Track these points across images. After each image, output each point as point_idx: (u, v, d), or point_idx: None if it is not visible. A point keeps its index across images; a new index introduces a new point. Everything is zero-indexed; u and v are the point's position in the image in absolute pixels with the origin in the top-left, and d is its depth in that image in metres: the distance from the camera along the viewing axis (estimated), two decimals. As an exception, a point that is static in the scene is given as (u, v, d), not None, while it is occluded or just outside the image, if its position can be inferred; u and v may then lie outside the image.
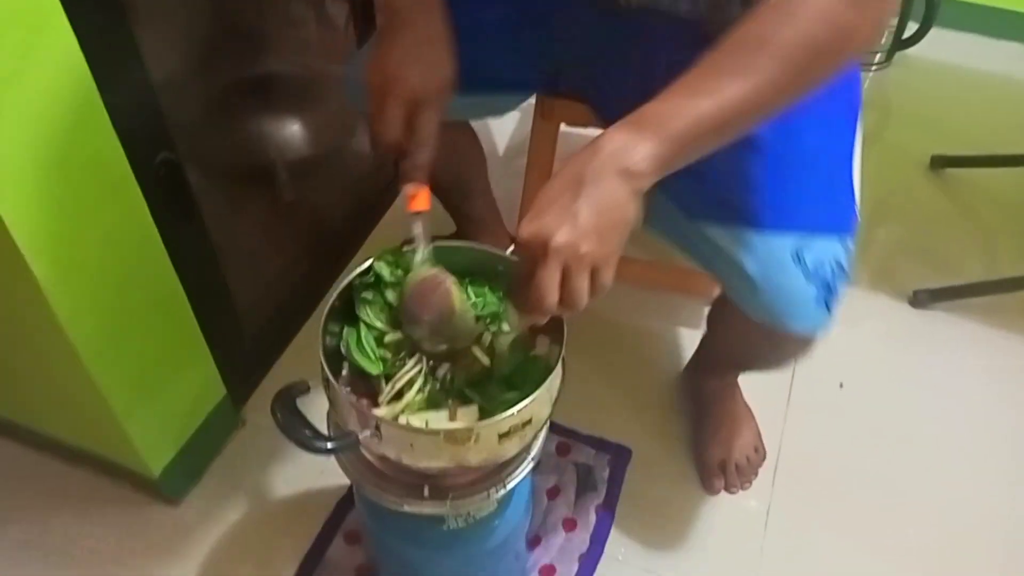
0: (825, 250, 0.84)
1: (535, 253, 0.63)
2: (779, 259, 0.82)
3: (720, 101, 0.64)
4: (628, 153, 0.63)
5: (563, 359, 0.79)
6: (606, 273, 0.65)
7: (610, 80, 0.97)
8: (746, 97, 0.64)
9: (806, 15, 0.64)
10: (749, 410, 1.29)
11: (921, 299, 1.51)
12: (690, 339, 1.46)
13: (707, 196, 0.86)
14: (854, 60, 0.77)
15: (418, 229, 0.81)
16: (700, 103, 0.64)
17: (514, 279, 0.68)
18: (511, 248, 0.85)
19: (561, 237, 0.62)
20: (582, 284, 0.64)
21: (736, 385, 1.28)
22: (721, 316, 1.09)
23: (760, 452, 1.26)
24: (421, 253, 0.81)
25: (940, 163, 1.80)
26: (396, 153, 0.80)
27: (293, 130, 1.53)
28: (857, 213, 0.89)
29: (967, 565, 1.18)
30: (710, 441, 1.25)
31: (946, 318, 1.50)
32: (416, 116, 0.78)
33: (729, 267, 0.85)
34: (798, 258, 0.82)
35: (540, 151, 1.45)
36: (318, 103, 1.56)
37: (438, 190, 1.29)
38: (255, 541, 1.20)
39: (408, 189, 0.80)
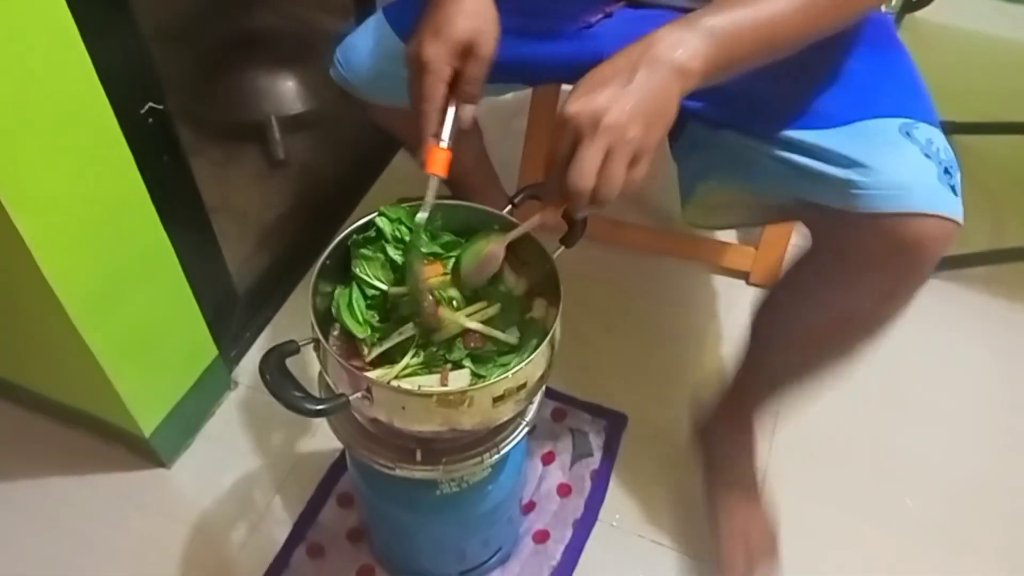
0: (931, 133, 0.77)
1: (581, 130, 0.62)
2: (889, 137, 0.75)
3: (772, 10, 0.66)
4: (683, 50, 0.64)
5: (559, 322, 0.77)
6: (643, 167, 0.63)
7: None
8: (797, 8, 0.66)
9: None
10: (770, 520, 1.10)
11: (925, 268, 1.49)
12: (690, 306, 1.45)
13: (784, 112, 0.81)
14: None
15: (431, 193, 0.79)
16: (758, 8, 0.66)
17: (547, 164, 0.66)
18: (507, 208, 0.84)
19: (612, 116, 0.61)
20: (620, 170, 0.62)
21: (758, 496, 1.12)
22: (799, 286, 0.92)
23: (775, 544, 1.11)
24: (423, 214, 0.79)
25: (948, 130, 1.74)
26: (438, 105, 0.77)
27: (288, 85, 1.49)
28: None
29: (964, 534, 1.18)
30: (729, 560, 1.08)
31: (948, 288, 1.48)
32: (463, 66, 0.76)
33: (830, 169, 0.76)
34: (908, 135, 0.75)
35: (541, 112, 1.42)
36: (314, 59, 1.52)
37: None
38: (248, 503, 1.19)
39: (430, 144, 0.78)
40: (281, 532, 1.15)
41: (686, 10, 0.69)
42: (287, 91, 1.49)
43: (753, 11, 0.66)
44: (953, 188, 0.74)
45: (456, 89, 0.77)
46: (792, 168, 0.80)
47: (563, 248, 0.82)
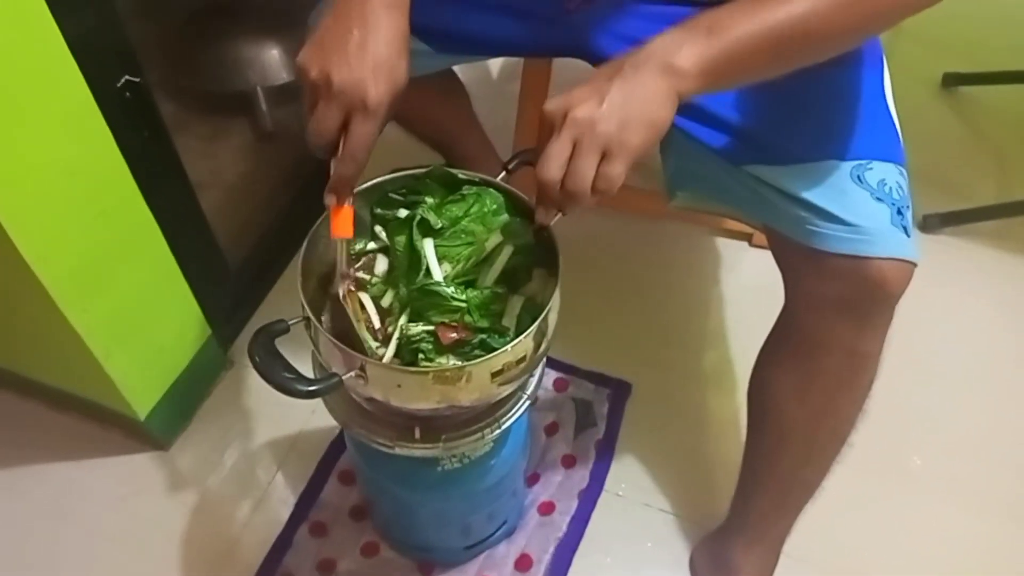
0: (884, 173, 0.77)
1: (552, 124, 0.61)
2: (839, 183, 0.76)
3: (782, 14, 0.62)
4: (675, 50, 0.61)
5: (559, 292, 0.74)
6: (616, 165, 0.61)
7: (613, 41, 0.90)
8: (810, 15, 0.62)
9: None
10: None
11: (931, 223, 1.46)
12: (692, 270, 1.42)
13: (748, 141, 0.81)
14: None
15: (340, 255, 0.74)
16: (761, 12, 0.62)
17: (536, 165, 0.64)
18: (502, 175, 0.81)
19: (580, 111, 0.60)
20: (586, 165, 0.60)
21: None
22: (773, 358, 0.91)
23: None
24: (341, 285, 0.75)
25: (952, 81, 1.72)
26: (330, 156, 0.69)
27: (272, 55, 1.45)
28: (902, 145, 0.82)
29: (974, 491, 1.17)
30: None
31: (956, 243, 1.46)
32: (353, 124, 0.65)
33: (789, 206, 0.78)
34: (859, 179, 0.76)
35: (534, 75, 1.38)
36: (299, 27, 1.48)
37: (423, 140, 1.23)
38: (249, 483, 1.18)
39: (329, 202, 0.70)
40: (284, 511, 1.14)
41: (670, 2, 0.65)
42: (272, 60, 1.44)
43: (766, 12, 0.62)
44: (906, 229, 0.76)
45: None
46: (758, 196, 0.81)
47: (560, 215, 0.79)
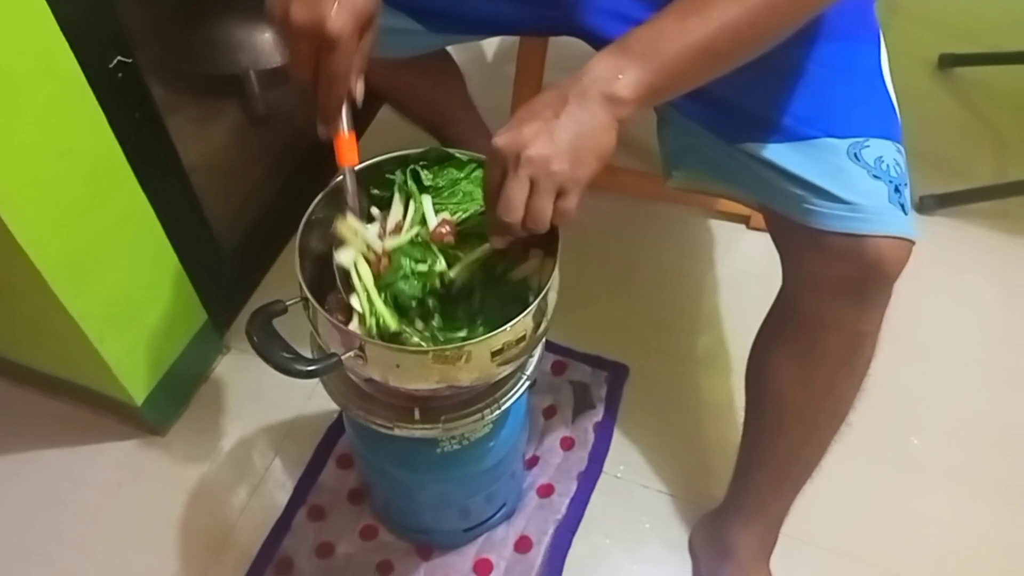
0: (881, 150, 0.77)
1: (506, 163, 0.62)
2: (835, 161, 0.76)
3: (711, 24, 0.62)
4: (613, 79, 0.62)
5: (557, 273, 0.74)
6: (570, 199, 0.63)
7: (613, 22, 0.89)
8: (739, 19, 0.63)
9: None
10: None
11: (927, 204, 1.46)
12: (688, 252, 1.41)
13: (742, 118, 0.80)
14: None
15: (347, 186, 0.75)
16: (689, 27, 0.63)
17: (485, 192, 0.66)
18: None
19: (534, 149, 0.61)
20: (546, 204, 0.62)
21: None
22: (772, 340, 0.91)
23: None
24: (350, 216, 0.75)
25: (949, 62, 1.71)
26: (347, 87, 0.70)
27: (265, 37, 1.43)
28: (900, 122, 0.82)
29: (972, 472, 1.17)
30: None
31: (953, 224, 1.45)
32: (321, 56, 0.67)
33: (785, 185, 0.77)
34: (856, 157, 0.76)
35: (529, 56, 1.37)
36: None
37: (417, 123, 1.22)
38: (246, 467, 1.17)
39: (321, 133, 0.73)
40: (281, 495, 1.14)
41: None
42: (264, 43, 1.42)
43: (696, 23, 0.63)
44: (903, 206, 0.76)
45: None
46: (754, 175, 0.80)
47: None
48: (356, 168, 0.75)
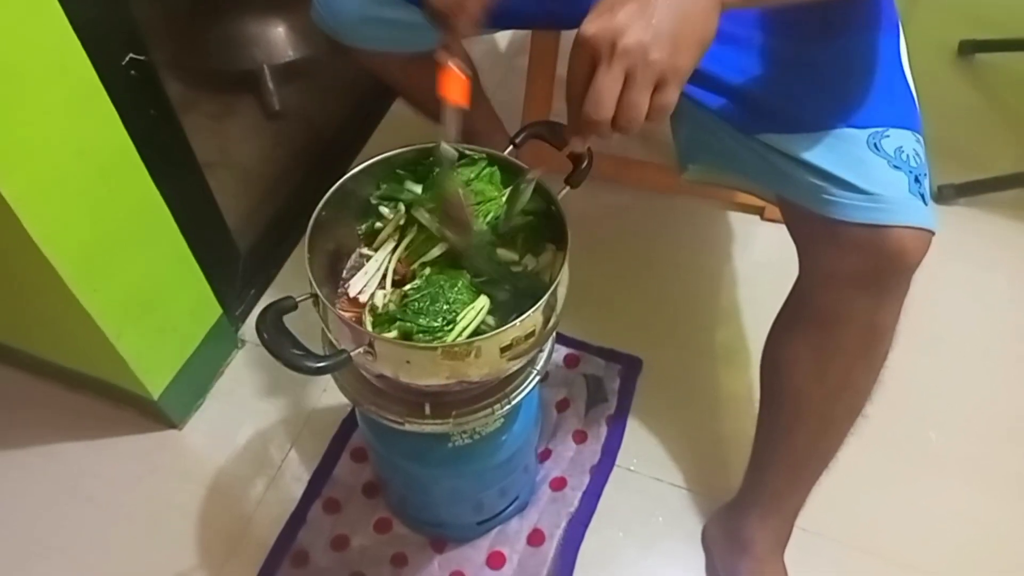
0: (901, 140, 0.76)
1: (598, 53, 0.55)
2: (855, 151, 0.74)
3: None
4: None
5: (567, 266, 0.74)
6: (671, 92, 0.56)
7: None
8: None
9: None
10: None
11: (946, 194, 1.44)
12: (703, 244, 1.41)
13: (761, 109, 0.79)
14: None
15: (449, 128, 0.73)
16: None
17: (567, 90, 0.59)
18: (509, 149, 0.80)
19: (631, 37, 0.54)
20: (642, 99, 0.55)
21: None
22: (787, 333, 0.90)
23: None
24: (446, 148, 0.75)
25: (969, 48, 1.69)
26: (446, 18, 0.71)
27: (279, 32, 1.44)
28: (919, 111, 0.81)
29: (987, 463, 1.16)
30: None
31: (972, 213, 1.43)
32: None
33: (804, 175, 0.76)
34: (876, 147, 0.75)
35: (542, 49, 1.37)
36: (304, 3, 1.46)
37: (430, 116, 1.21)
38: (262, 461, 1.18)
39: (440, 57, 0.71)
40: (297, 488, 1.15)
41: None
42: (278, 38, 1.43)
43: None
44: (923, 197, 0.75)
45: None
46: (772, 167, 0.79)
47: (568, 189, 0.78)
48: (375, 160, 0.76)
